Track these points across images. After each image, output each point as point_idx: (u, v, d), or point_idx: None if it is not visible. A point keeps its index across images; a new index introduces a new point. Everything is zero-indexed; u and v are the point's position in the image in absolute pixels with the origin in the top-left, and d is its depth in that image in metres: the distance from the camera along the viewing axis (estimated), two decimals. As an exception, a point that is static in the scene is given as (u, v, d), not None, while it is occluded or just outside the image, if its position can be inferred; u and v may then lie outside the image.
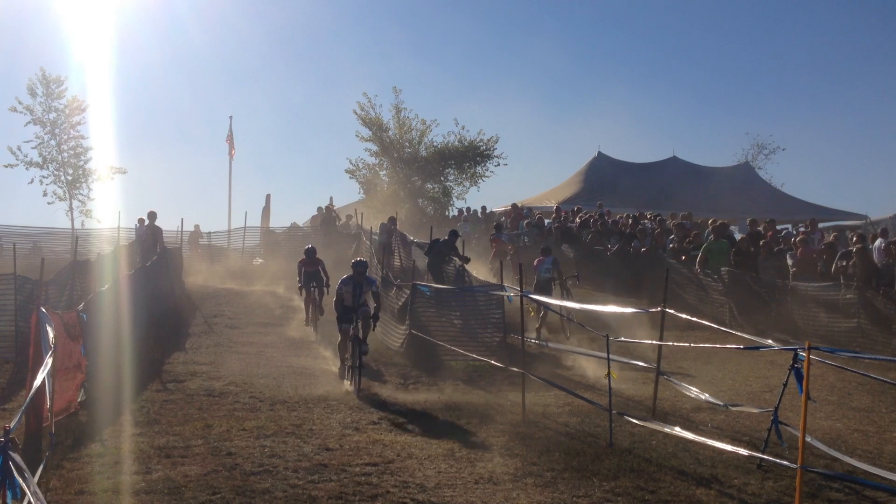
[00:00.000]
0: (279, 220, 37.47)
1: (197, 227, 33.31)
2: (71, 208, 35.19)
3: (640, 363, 12.14)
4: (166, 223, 26.63)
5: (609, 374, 9.72)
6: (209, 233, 33.79)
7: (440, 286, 17.22)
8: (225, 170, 41.43)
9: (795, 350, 7.94)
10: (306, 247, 18.75)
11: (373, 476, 7.96)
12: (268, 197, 36.84)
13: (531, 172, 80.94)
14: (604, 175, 38.37)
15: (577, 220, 26.50)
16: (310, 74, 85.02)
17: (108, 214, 36.21)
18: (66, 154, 35.27)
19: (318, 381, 12.85)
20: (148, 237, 23.33)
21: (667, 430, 9.19)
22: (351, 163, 39.28)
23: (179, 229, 30.59)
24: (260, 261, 30.94)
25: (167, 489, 7.37)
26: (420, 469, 8.28)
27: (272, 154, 77.84)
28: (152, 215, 23.94)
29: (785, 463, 7.66)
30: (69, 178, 35.23)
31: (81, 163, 35.48)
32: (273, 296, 21.93)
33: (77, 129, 35.40)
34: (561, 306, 13.77)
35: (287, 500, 7.20)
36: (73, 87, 35.40)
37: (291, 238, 32.88)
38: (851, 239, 17.43)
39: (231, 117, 42.31)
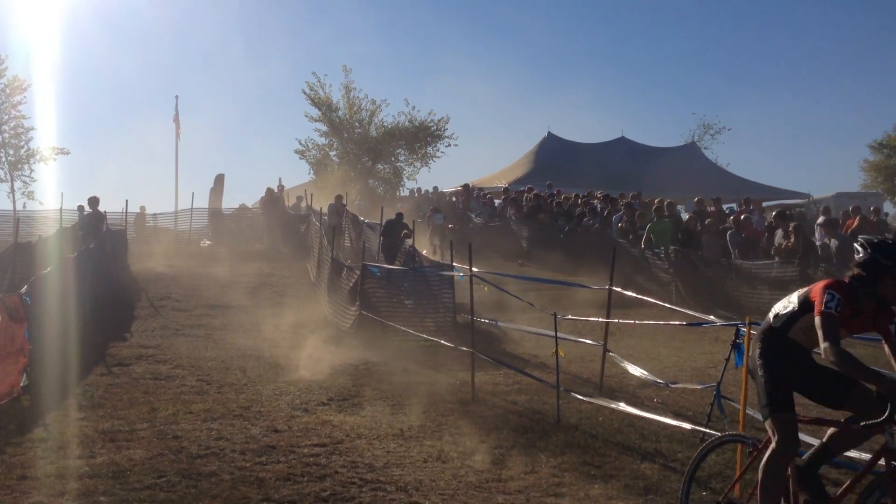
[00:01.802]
0: (227, 202, 37.08)
1: (143, 208, 32.85)
2: (13, 190, 34.58)
3: (588, 341, 12.28)
4: (111, 205, 26.16)
5: (556, 351, 9.82)
6: (155, 214, 33.35)
7: (390, 266, 17.23)
8: (171, 150, 40.92)
9: (737, 325, 8.15)
10: None
11: (321, 457, 7.96)
12: (220, 177, 36.40)
13: (482, 153, 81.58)
14: (554, 155, 38.58)
15: (529, 198, 26.61)
16: (258, 53, 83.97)
17: (51, 196, 35.55)
18: (6, 135, 34.50)
19: (267, 363, 12.74)
20: (90, 224, 22.73)
21: (613, 406, 9.34)
22: (300, 143, 38.98)
23: (124, 211, 30.11)
24: (207, 243, 30.58)
25: (112, 473, 7.28)
26: (369, 449, 8.30)
27: (220, 134, 76.80)
28: (94, 201, 23.29)
29: (726, 436, 7.83)
30: (10, 159, 34.45)
31: (23, 143, 34.74)
32: (220, 278, 21.68)
33: (18, 109, 34.67)
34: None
35: (234, 482, 7.16)
36: (14, 66, 34.59)
37: (239, 219, 32.60)
38: (772, 214, 18.02)
39: (177, 97, 41.81)
